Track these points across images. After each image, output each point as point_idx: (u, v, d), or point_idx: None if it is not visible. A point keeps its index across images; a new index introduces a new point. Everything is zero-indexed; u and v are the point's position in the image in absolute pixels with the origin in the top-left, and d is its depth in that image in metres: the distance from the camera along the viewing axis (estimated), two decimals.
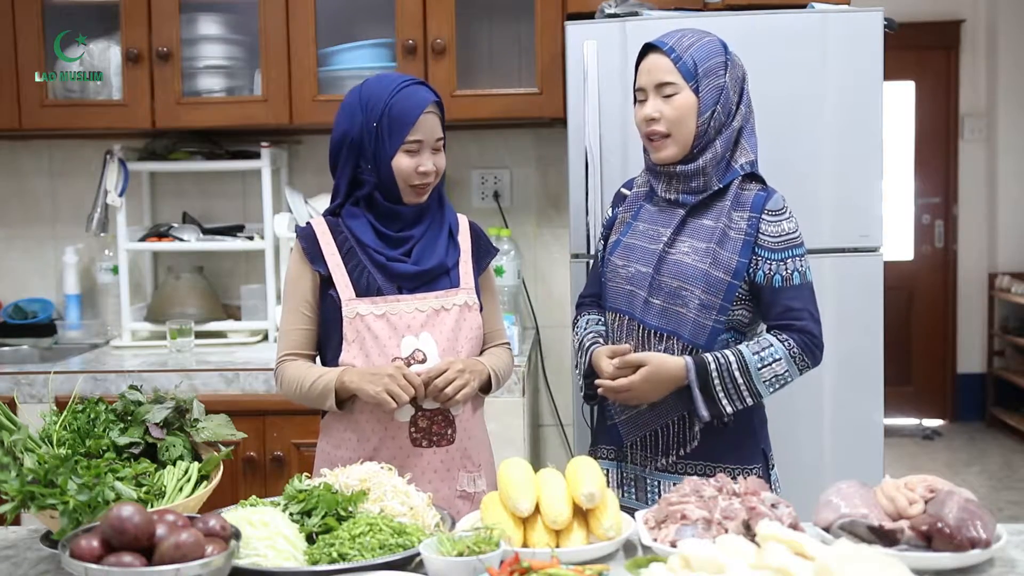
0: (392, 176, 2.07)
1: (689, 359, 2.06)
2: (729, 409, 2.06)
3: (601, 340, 2.21)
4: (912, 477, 1.73)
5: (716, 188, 2.11)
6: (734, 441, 2.14)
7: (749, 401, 2.07)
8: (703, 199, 2.12)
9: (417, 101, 2.07)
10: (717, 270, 2.07)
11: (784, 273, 2.09)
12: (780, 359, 2.06)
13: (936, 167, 6.70)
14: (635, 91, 2.18)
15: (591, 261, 2.39)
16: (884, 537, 1.60)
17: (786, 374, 2.07)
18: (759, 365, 2.05)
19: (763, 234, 2.09)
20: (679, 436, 2.13)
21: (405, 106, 2.06)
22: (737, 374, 2.04)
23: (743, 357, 2.05)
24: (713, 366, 2.04)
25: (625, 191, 2.28)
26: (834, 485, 1.76)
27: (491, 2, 3.46)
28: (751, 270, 2.09)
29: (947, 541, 1.57)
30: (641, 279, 2.12)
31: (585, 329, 2.26)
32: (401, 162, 2.07)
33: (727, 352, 2.06)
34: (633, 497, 2.18)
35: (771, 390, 2.08)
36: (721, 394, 2.05)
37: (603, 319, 2.27)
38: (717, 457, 2.13)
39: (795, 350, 2.07)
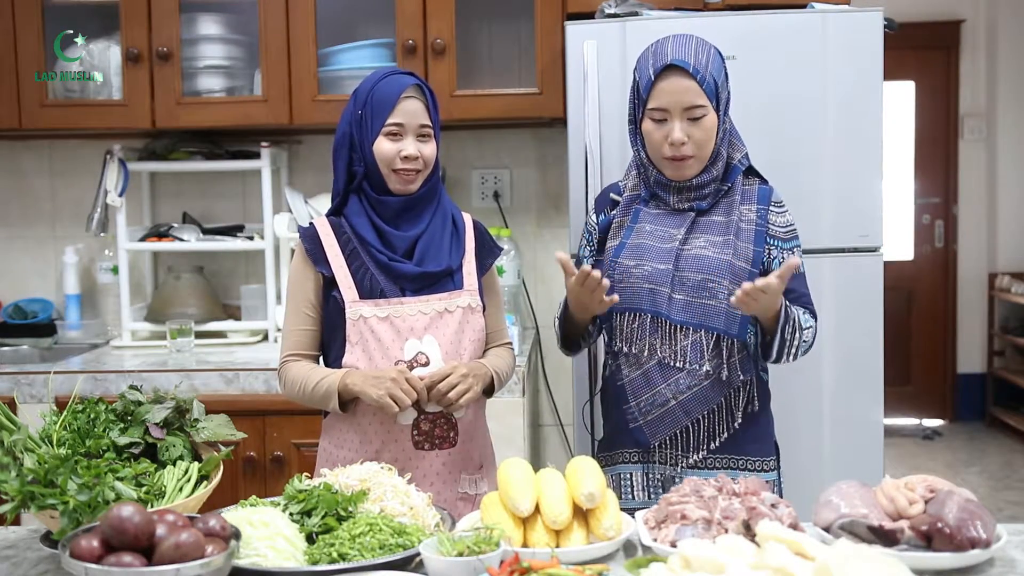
0: (376, 163, 2.08)
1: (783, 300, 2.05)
2: (783, 360, 2.11)
3: None
4: (912, 477, 1.74)
5: (724, 189, 2.15)
6: (756, 433, 2.18)
7: (787, 359, 2.12)
8: (712, 203, 2.15)
9: (397, 86, 2.09)
10: (739, 260, 2.11)
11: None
12: (808, 328, 2.13)
13: (936, 167, 6.70)
14: (649, 109, 2.10)
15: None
16: (884, 537, 1.59)
17: (805, 345, 2.14)
18: (803, 327, 2.11)
19: (773, 224, 2.16)
20: (709, 430, 2.14)
21: (385, 91, 2.08)
22: (797, 330, 2.09)
23: (798, 317, 2.10)
24: (789, 313, 2.07)
25: (615, 196, 2.25)
26: (834, 485, 1.76)
27: (491, 2, 3.46)
28: (766, 260, 2.15)
29: (947, 541, 1.56)
30: (661, 276, 2.11)
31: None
32: (382, 146, 2.07)
33: (792, 307, 2.09)
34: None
35: (792, 357, 2.13)
36: (788, 341, 2.08)
37: None
38: (742, 450, 2.16)
39: (815, 330, 2.16)
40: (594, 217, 2.27)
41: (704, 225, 2.14)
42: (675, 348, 2.11)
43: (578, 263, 2.28)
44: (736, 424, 2.15)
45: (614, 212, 2.23)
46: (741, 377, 2.14)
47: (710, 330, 2.11)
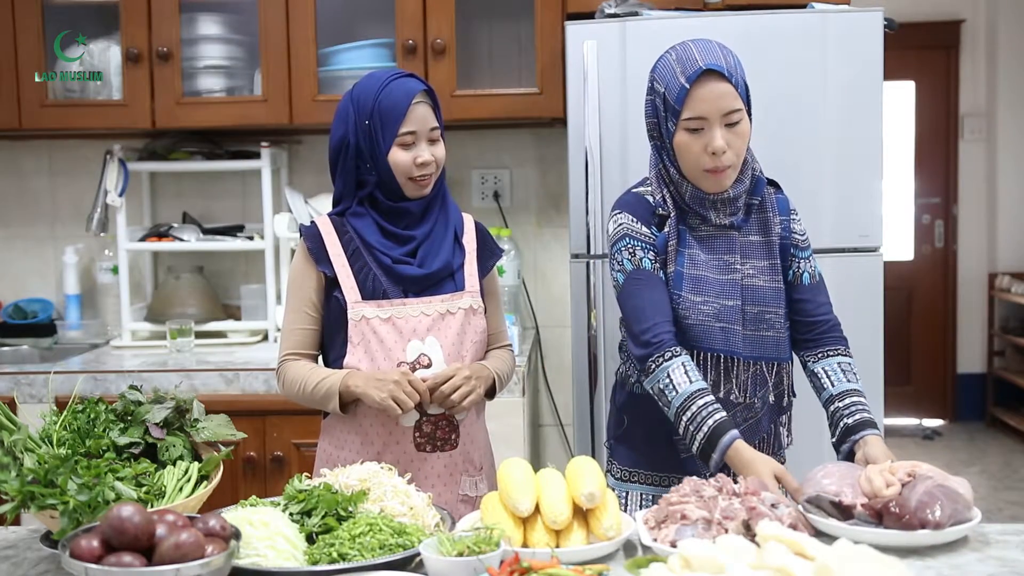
0: (391, 172, 2.06)
1: (874, 432, 1.97)
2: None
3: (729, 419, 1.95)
4: (900, 463, 1.80)
5: (756, 202, 2.07)
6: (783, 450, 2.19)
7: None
8: (747, 216, 2.07)
9: (405, 93, 2.05)
10: (781, 283, 2.07)
11: (810, 270, 2.13)
12: (856, 374, 2.10)
13: (936, 167, 6.70)
14: (685, 119, 1.96)
15: (642, 283, 2.03)
16: (842, 511, 1.70)
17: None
18: (858, 383, 2.08)
19: (794, 234, 2.12)
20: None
21: (394, 99, 2.04)
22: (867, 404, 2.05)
23: (860, 391, 2.06)
24: (869, 413, 2.02)
25: (661, 211, 2.04)
26: (825, 464, 1.83)
27: (491, 2, 3.46)
28: (788, 270, 2.11)
29: (895, 520, 1.65)
30: (731, 314, 2.02)
31: (703, 390, 1.95)
32: (397, 156, 2.05)
33: (858, 398, 2.03)
34: None
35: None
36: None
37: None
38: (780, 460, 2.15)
39: (850, 355, 2.12)
40: (644, 229, 2.04)
41: (745, 248, 2.05)
42: (737, 383, 2.05)
43: (644, 272, 2.03)
44: (784, 451, 2.13)
45: (667, 230, 2.03)
46: (795, 396, 2.12)
47: (769, 361, 2.06)
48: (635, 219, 2.05)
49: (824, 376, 2.08)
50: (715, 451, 1.91)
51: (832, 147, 2.84)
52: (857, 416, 1.99)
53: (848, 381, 2.06)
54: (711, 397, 1.95)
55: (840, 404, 2.02)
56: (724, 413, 1.94)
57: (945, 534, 1.66)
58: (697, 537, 1.60)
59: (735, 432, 1.91)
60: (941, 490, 1.69)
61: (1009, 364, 6.60)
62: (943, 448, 6.26)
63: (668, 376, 1.96)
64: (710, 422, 1.91)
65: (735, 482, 1.76)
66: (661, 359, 1.98)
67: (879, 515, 1.68)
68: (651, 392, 2.01)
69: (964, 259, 6.69)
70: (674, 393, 1.95)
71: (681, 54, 1.97)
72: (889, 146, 3.98)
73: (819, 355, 2.11)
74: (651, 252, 2.03)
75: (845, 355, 2.11)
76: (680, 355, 1.98)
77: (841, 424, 2.00)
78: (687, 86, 1.94)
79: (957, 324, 6.74)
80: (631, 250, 2.03)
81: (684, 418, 1.95)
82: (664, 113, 1.99)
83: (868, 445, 1.93)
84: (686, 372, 1.96)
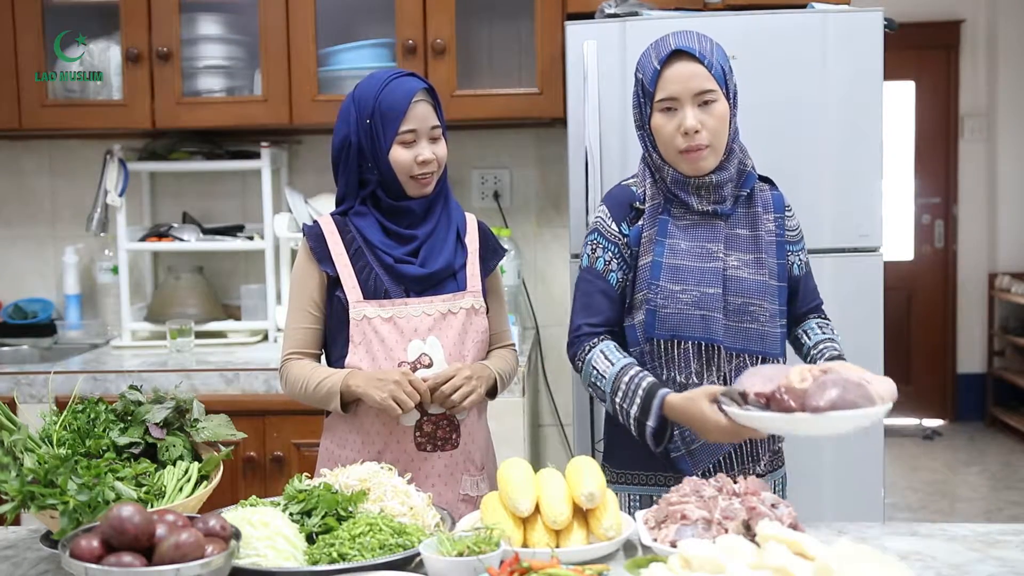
0: (392, 171, 2.06)
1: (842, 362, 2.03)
2: None
3: (660, 382, 1.98)
4: (828, 363, 1.85)
5: (744, 194, 2.07)
6: (777, 443, 2.18)
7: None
8: (734, 207, 2.07)
9: (405, 91, 2.05)
10: (773, 279, 2.07)
11: (802, 261, 2.17)
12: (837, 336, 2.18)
13: (936, 167, 6.70)
14: (658, 101, 2.00)
15: (587, 283, 2.09)
16: (744, 400, 1.78)
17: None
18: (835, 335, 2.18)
19: (788, 230, 2.13)
20: (752, 455, 2.08)
21: (394, 98, 2.05)
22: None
23: (835, 340, 2.14)
24: (840, 352, 2.10)
25: (638, 205, 2.07)
26: (759, 365, 1.94)
27: (491, 2, 3.46)
28: (790, 267, 2.13)
29: (778, 405, 1.72)
30: (711, 301, 2.01)
31: (627, 365, 1.99)
32: (398, 155, 2.05)
33: (832, 343, 2.12)
34: None
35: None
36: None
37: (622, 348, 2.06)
38: (775, 464, 2.15)
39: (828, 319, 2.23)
40: (615, 226, 2.08)
41: (731, 240, 2.05)
42: (719, 374, 2.03)
43: (593, 272, 2.08)
44: (780, 444, 2.14)
45: (641, 223, 2.06)
46: None
47: (753, 354, 2.05)
48: (610, 215, 2.09)
49: (803, 334, 2.17)
50: (650, 416, 1.94)
51: (832, 147, 2.84)
52: (827, 355, 2.07)
53: (824, 333, 2.15)
54: (637, 368, 1.99)
55: (815, 352, 2.11)
56: (653, 378, 1.97)
57: (823, 417, 1.68)
58: (697, 537, 1.60)
59: (666, 389, 1.94)
60: (842, 381, 1.72)
61: (1009, 364, 6.60)
62: (943, 448, 6.26)
63: (592, 367, 2.02)
64: (640, 392, 1.95)
65: (735, 482, 1.76)
66: (583, 353, 2.05)
67: (768, 402, 1.73)
68: (590, 392, 2.06)
69: (964, 259, 6.69)
70: (603, 380, 2.00)
71: (658, 42, 2.05)
72: (889, 146, 3.97)
73: (800, 321, 2.20)
74: (609, 253, 2.07)
75: (824, 318, 2.20)
76: (597, 344, 2.04)
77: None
78: (658, 67, 2.00)
79: (957, 324, 6.74)
80: (593, 246, 2.09)
81: (616, 400, 1.98)
82: (643, 99, 2.05)
83: None
84: (606, 356, 2.01)
